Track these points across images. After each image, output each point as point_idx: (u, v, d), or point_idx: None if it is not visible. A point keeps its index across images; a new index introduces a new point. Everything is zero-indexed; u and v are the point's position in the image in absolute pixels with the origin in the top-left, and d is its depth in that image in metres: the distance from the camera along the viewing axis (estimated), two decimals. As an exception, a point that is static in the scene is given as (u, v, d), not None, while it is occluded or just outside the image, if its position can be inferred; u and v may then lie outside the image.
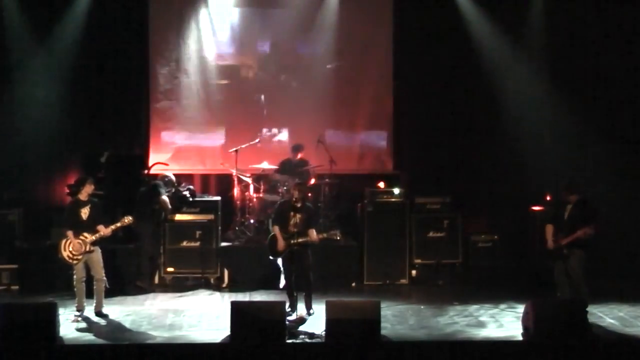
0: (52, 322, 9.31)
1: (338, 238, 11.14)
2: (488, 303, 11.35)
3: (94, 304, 10.50)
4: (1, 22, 13.37)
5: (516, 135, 13.82)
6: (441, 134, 14.33)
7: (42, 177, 13.37)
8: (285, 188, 12.57)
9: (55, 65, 13.49)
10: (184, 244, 12.50)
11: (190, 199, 12.59)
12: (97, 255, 10.50)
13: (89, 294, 10.54)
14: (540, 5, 13.87)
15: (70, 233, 10.41)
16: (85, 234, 10.37)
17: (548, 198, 13.05)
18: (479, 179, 14.03)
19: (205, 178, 13.77)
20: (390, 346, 9.46)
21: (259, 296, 11.72)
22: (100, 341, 9.68)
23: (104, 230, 10.40)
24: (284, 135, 14.14)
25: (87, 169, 12.80)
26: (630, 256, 13.01)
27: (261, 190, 12.99)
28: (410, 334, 10.01)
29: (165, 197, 12.28)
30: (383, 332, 9.57)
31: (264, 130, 14.12)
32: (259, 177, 13.08)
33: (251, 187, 12.92)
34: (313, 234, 10.61)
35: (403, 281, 12.67)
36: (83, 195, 10.56)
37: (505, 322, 10.47)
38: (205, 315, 10.74)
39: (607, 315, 10.75)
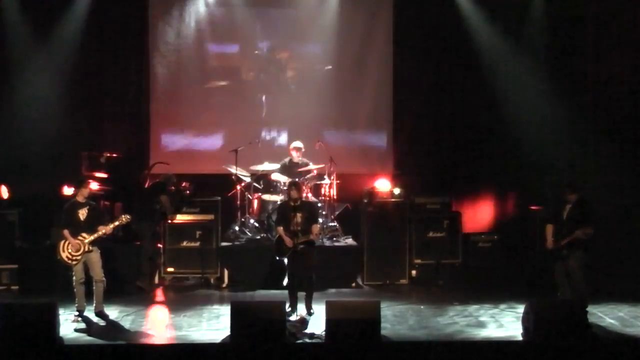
0: (52, 322, 9.30)
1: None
2: (488, 303, 11.35)
3: (94, 305, 10.49)
4: (1, 22, 13.37)
5: (516, 135, 13.83)
6: (441, 134, 14.34)
7: (42, 177, 13.35)
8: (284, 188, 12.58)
9: (55, 65, 13.50)
10: (184, 244, 12.50)
11: (190, 194, 12.57)
12: (96, 256, 10.48)
13: (89, 295, 10.53)
14: (540, 5, 13.87)
15: (67, 234, 10.41)
16: (84, 234, 10.36)
17: (548, 197, 13.05)
18: (479, 179, 14.02)
19: (205, 178, 13.75)
20: (390, 346, 9.46)
21: (259, 296, 11.71)
22: (100, 341, 9.69)
23: (103, 229, 10.39)
24: (283, 136, 14.12)
25: (87, 169, 12.80)
26: (630, 256, 13.00)
27: (261, 190, 12.98)
28: (410, 334, 10.01)
29: (165, 197, 12.28)
30: (383, 332, 9.56)
31: (264, 130, 14.11)
32: (259, 177, 13.08)
33: (251, 187, 12.91)
34: (315, 229, 10.63)
35: (403, 281, 12.67)
36: (80, 197, 10.55)
37: (505, 322, 10.47)
38: (205, 315, 10.74)
39: (607, 315, 10.75)
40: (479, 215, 14.01)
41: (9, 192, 12.77)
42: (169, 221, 12.48)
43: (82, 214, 10.46)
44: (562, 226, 10.40)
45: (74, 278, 10.46)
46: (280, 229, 10.74)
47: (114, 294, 11.15)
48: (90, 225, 10.40)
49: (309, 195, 12.59)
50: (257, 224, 12.84)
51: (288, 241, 10.63)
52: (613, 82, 13.66)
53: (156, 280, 12.49)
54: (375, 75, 14.30)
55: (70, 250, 10.37)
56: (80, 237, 10.36)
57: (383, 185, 13.13)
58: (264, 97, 14.24)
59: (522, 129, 13.74)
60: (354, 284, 12.55)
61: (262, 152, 13.32)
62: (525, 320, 9.74)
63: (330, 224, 12.94)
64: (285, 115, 14.24)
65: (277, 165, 13.10)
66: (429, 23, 14.11)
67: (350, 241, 12.89)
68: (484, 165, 14.04)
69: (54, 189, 12.70)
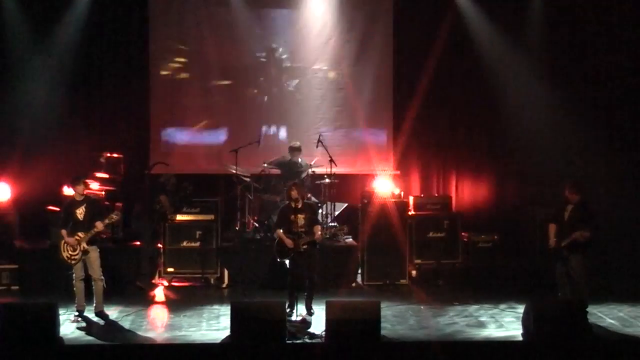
0: (52, 322, 9.31)
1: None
2: (488, 303, 11.35)
3: (94, 305, 10.49)
4: (1, 22, 13.37)
5: (516, 135, 13.83)
6: (441, 134, 14.34)
7: (42, 177, 13.35)
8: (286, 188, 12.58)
9: (55, 65, 13.50)
10: (184, 244, 12.50)
11: (189, 196, 12.59)
12: (95, 255, 10.47)
13: (89, 294, 10.54)
14: (540, 5, 13.87)
15: (64, 233, 10.41)
16: (80, 234, 10.36)
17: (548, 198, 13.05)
18: (479, 179, 14.02)
19: (205, 178, 13.75)
20: (390, 346, 9.47)
21: (259, 296, 11.71)
22: (100, 341, 9.69)
23: (97, 227, 10.37)
24: (283, 136, 14.11)
25: (87, 169, 12.80)
26: (630, 256, 13.01)
27: (261, 191, 12.98)
28: (410, 334, 10.01)
29: (165, 197, 12.28)
30: (383, 332, 9.57)
31: (264, 130, 14.10)
32: (259, 177, 13.07)
33: (251, 188, 12.91)
34: (318, 230, 10.64)
35: (403, 281, 12.66)
36: (77, 195, 10.55)
37: (505, 323, 10.47)
38: (205, 315, 10.74)
39: (607, 315, 10.75)
40: (479, 215, 13.99)
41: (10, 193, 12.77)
42: (169, 221, 12.47)
43: (80, 212, 10.46)
44: (563, 227, 10.39)
45: (73, 276, 10.47)
46: (280, 231, 10.72)
47: (114, 294, 11.15)
48: (89, 223, 10.39)
49: (310, 196, 12.57)
50: (257, 224, 12.84)
51: (289, 242, 10.62)
52: (613, 82, 13.66)
53: (156, 280, 12.49)
54: (375, 75, 14.29)
55: (68, 250, 10.38)
56: (76, 237, 10.36)
57: (383, 185, 13.12)
58: (264, 97, 14.23)
59: (522, 129, 13.73)
60: (354, 284, 12.55)
61: (262, 152, 13.32)
62: (525, 320, 9.75)
63: (331, 224, 12.94)
64: (285, 115, 14.23)
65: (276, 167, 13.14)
66: (429, 23, 14.10)
67: (350, 241, 12.88)
68: (484, 165, 14.03)
69: (54, 189, 12.70)
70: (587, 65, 13.78)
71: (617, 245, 12.93)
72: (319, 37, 14.18)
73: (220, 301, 11.50)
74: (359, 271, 12.68)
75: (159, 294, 11.72)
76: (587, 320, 9.66)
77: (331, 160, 12.91)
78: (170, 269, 12.48)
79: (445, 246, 12.86)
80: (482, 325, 10.40)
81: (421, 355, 9.37)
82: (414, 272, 12.82)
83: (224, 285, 12.40)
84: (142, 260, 12.22)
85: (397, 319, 10.61)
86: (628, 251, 13.05)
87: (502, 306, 11.22)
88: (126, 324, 10.37)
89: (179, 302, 11.48)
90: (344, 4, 14.14)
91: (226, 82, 14.16)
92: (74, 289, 10.48)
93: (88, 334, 9.96)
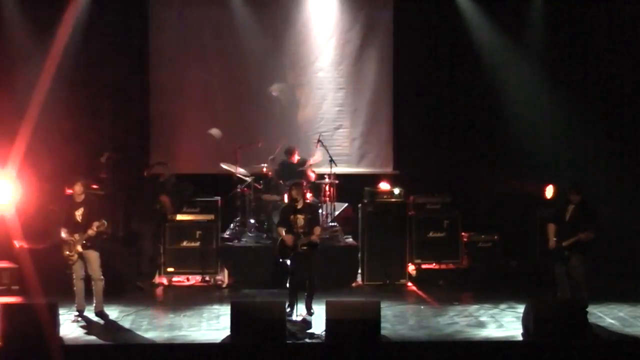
0: (52, 322, 9.31)
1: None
2: (488, 303, 11.35)
3: (94, 305, 10.50)
4: (1, 22, 13.36)
5: (516, 135, 13.82)
6: (441, 134, 14.34)
7: (42, 177, 13.34)
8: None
9: (55, 65, 13.48)
10: (184, 244, 12.50)
11: (190, 194, 12.59)
12: (94, 255, 10.48)
13: (89, 294, 10.55)
14: (540, 5, 13.87)
15: (63, 232, 10.42)
16: (76, 235, 10.36)
17: (549, 197, 13.03)
18: (479, 179, 14.02)
19: (205, 178, 13.75)
20: (390, 346, 9.47)
21: (259, 296, 11.71)
22: (100, 341, 9.70)
23: (90, 231, 10.32)
24: (284, 136, 14.07)
25: (87, 169, 12.79)
26: (630, 256, 13.01)
27: (261, 191, 12.98)
28: (410, 334, 10.02)
29: (165, 197, 12.28)
30: (383, 332, 9.57)
31: (264, 130, 14.08)
32: (259, 177, 13.08)
33: (251, 187, 12.91)
34: (317, 230, 10.64)
35: (403, 281, 12.67)
36: (76, 197, 10.54)
37: (505, 322, 10.47)
38: (205, 315, 10.74)
39: (607, 315, 10.75)
40: (479, 214, 13.98)
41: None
42: (169, 221, 12.46)
43: (79, 214, 10.46)
44: (564, 227, 10.39)
45: (73, 275, 10.47)
46: (281, 229, 10.74)
47: (114, 294, 11.16)
48: (87, 225, 10.38)
49: (310, 195, 12.57)
50: (257, 224, 12.84)
51: (289, 238, 10.62)
52: (613, 82, 13.66)
53: (156, 280, 12.49)
54: (375, 75, 14.29)
55: (67, 250, 10.39)
56: (73, 238, 10.36)
57: (383, 185, 13.12)
58: (264, 97, 14.23)
59: (522, 129, 13.73)
60: (354, 284, 12.55)
61: (262, 152, 13.32)
62: (525, 320, 9.75)
63: (331, 224, 12.94)
64: (285, 115, 14.23)
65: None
66: (429, 23, 14.11)
67: (350, 241, 12.88)
68: (484, 165, 14.02)
69: (54, 189, 12.69)
70: (588, 65, 13.76)
71: (617, 245, 12.92)
72: (319, 37, 14.18)
73: (220, 301, 11.50)
74: (359, 271, 12.68)
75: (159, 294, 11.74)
76: (587, 320, 9.66)
77: (331, 160, 12.91)
78: (170, 269, 12.49)
79: (445, 246, 12.86)
80: (482, 325, 10.40)
81: (421, 355, 9.37)
82: (414, 272, 12.81)
83: (224, 285, 12.40)
84: (142, 260, 12.22)
85: (397, 319, 10.62)
86: (628, 251, 13.05)
87: (502, 306, 11.22)
88: (126, 324, 10.37)
89: (179, 302, 11.49)
90: (344, 4, 14.14)
91: (226, 82, 14.15)
92: (74, 288, 10.48)
93: (88, 334, 9.96)
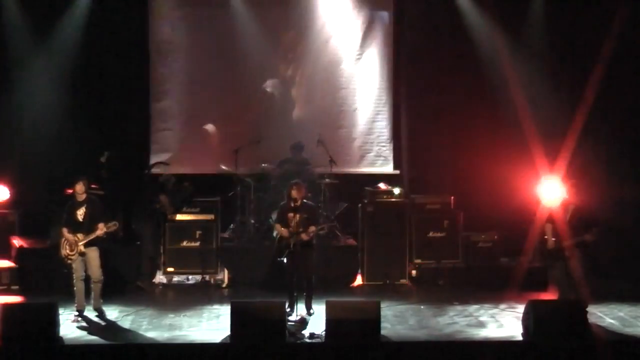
0: (52, 322, 9.32)
1: (324, 232, 11.43)
2: (488, 303, 11.35)
3: (92, 300, 10.50)
4: (1, 22, 13.37)
5: (517, 134, 13.81)
6: (441, 134, 14.33)
7: (42, 177, 13.36)
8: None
9: (55, 65, 13.50)
10: (184, 244, 12.51)
11: (190, 196, 12.59)
12: (95, 255, 10.48)
13: (89, 294, 10.55)
14: (540, 5, 13.87)
15: (65, 232, 10.43)
16: (79, 235, 10.37)
17: (548, 197, 13.01)
18: (479, 179, 14.01)
19: (205, 178, 13.75)
20: (390, 346, 9.47)
21: (259, 296, 11.71)
22: (100, 341, 9.69)
23: (97, 231, 10.37)
24: (284, 135, 14.06)
25: (87, 169, 12.78)
26: (630, 256, 13.00)
27: (261, 191, 12.98)
28: (410, 334, 10.01)
29: (165, 197, 12.28)
30: (383, 332, 9.58)
31: (264, 130, 14.06)
32: (259, 177, 13.08)
33: (251, 188, 12.91)
34: (311, 229, 10.64)
35: (403, 281, 12.67)
36: (78, 196, 10.55)
37: (505, 323, 10.47)
38: (205, 315, 10.74)
39: (607, 315, 10.75)
40: (479, 215, 13.98)
41: (10, 193, 12.77)
42: (169, 221, 12.46)
43: (80, 214, 10.47)
44: (563, 227, 10.38)
45: (73, 275, 10.48)
46: (278, 225, 10.78)
47: (114, 294, 11.17)
48: (89, 225, 10.40)
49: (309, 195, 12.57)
50: (257, 225, 12.83)
51: (284, 231, 10.62)
52: (613, 82, 13.64)
53: (156, 280, 12.49)
54: (376, 75, 14.29)
55: (67, 249, 10.39)
56: (75, 238, 10.37)
57: (383, 185, 13.12)
58: (264, 97, 14.23)
59: (522, 128, 13.70)
60: (354, 284, 12.55)
61: (262, 152, 13.32)
62: (525, 320, 9.75)
63: (330, 224, 12.93)
64: (285, 115, 14.22)
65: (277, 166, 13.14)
66: (429, 23, 14.11)
67: (350, 241, 12.88)
68: (484, 165, 14.01)
69: (53, 189, 12.70)
70: (588, 65, 13.74)
71: (617, 245, 12.92)
72: (319, 37, 14.18)
73: (220, 301, 11.49)
74: (359, 271, 12.68)
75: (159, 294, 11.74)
76: (586, 320, 9.66)
77: (331, 160, 12.91)
78: (170, 269, 12.50)
79: (445, 246, 12.85)
80: (482, 325, 10.40)
81: (421, 355, 9.38)
82: (414, 272, 12.81)
83: (224, 285, 12.40)
84: (142, 260, 12.23)
85: (397, 319, 10.61)
86: (628, 251, 13.04)
87: (502, 306, 11.22)
88: (126, 324, 10.37)
89: (179, 302, 11.49)
90: (344, 4, 14.14)
91: (226, 82, 14.15)
92: (74, 288, 10.49)
93: (88, 334, 9.96)
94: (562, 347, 9.24)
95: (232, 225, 13.03)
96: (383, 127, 14.39)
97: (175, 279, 12.61)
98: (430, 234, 12.91)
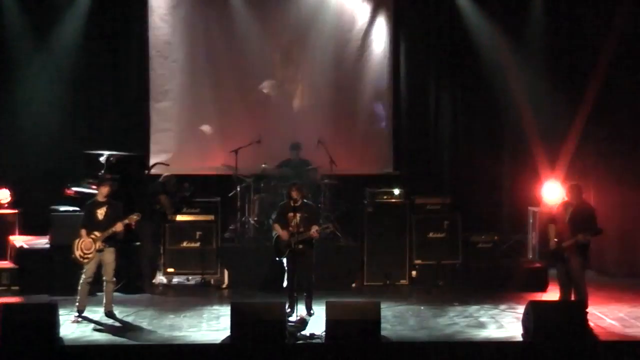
0: (52, 322, 9.32)
1: (329, 230, 11.39)
2: (488, 304, 11.35)
3: (104, 305, 10.51)
4: (1, 22, 13.37)
5: (517, 134, 13.82)
6: (441, 134, 14.34)
7: (42, 177, 13.36)
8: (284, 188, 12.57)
9: (55, 65, 13.51)
10: (184, 244, 12.50)
11: (190, 196, 12.59)
12: (110, 256, 10.52)
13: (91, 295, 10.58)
14: (540, 5, 13.87)
15: (83, 232, 10.46)
16: (97, 232, 10.40)
17: (550, 198, 13.02)
18: (479, 179, 14.02)
19: (205, 178, 13.75)
20: (390, 347, 9.47)
21: (259, 296, 11.71)
22: (100, 341, 9.70)
23: (117, 227, 10.41)
24: (284, 136, 14.06)
25: (87, 169, 12.79)
26: (630, 256, 13.01)
27: (261, 191, 12.98)
28: (410, 334, 10.02)
29: (165, 197, 12.28)
30: (383, 332, 9.57)
31: (264, 130, 14.04)
32: (259, 178, 13.08)
33: (251, 188, 12.91)
34: (314, 228, 10.63)
35: (403, 282, 12.66)
36: (100, 196, 10.62)
37: (505, 323, 10.47)
38: (205, 316, 10.74)
39: (607, 316, 10.75)
40: (479, 215, 13.98)
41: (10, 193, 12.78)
42: (169, 221, 12.46)
43: (101, 213, 10.53)
44: (564, 228, 10.38)
45: (82, 276, 10.50)
46: (277, 226, 10.77)
47: (114, 295, 11.13)
48: (107, 224, 10.45)
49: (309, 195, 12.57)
50: (257, 225, 12.83)
51: (283, 234, 10.63)
52: (613, 82, 13.65)
53: (156, 280, 12.49)
54: (376, 75, 14.29)
55: (82, 248, 10.40)
56: (93, 235, 10.39)
57: (384, 186, 13.11)
58: (264, 97, 14.22)
59: (522, 127, 13.72)
60: (354, 284, 12.54)
61: (262, 152, 13.31)
62: (525, 321, 9.75)
63: (330, 224, 12.92)
64: (285, 116, 14.22)
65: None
66: (429, 23, 14.11)
67: (350, 241, 12.88)
68: (483, 165, 14.03)
69: (53, 189, 12.70)
70: (588, 65, 13.75)
71: (617, 245, 12.92)
72: (319, 37, 14.17)
73: (220, 301, 11.51)
74: (359, 271, 12.67)
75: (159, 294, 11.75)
76: (586, 320, 9.66)
77: (331, 161, 12.91)
78: (170, 269, 12.50)
79: (445, 246, 12.83)
80: (482, 325, 10.41)
81: (421, 356, 9.38)
82: (414, 273, 12.80)
83: (224, 286, 12.40)
84: (142, 260, 12.23)
85: (397, 319, 10.62)
86: (628, 251, 13.04)
87: (502, 307, 11.22)
88: (126, 324, 10.36)
89: (179, 302, 11.48)
90: (344, 4, 14.13)
91: (226, 82, 14.14)
92: (79, 288, 10.50)
93: (88, 334, 9.96)
94: (562, 347, 9.23)
95: (232, 225, 13.03)
96: (383, 127, 14.38)
97: (175, 279, 12.62)
98: (430, 235, 12.89)
